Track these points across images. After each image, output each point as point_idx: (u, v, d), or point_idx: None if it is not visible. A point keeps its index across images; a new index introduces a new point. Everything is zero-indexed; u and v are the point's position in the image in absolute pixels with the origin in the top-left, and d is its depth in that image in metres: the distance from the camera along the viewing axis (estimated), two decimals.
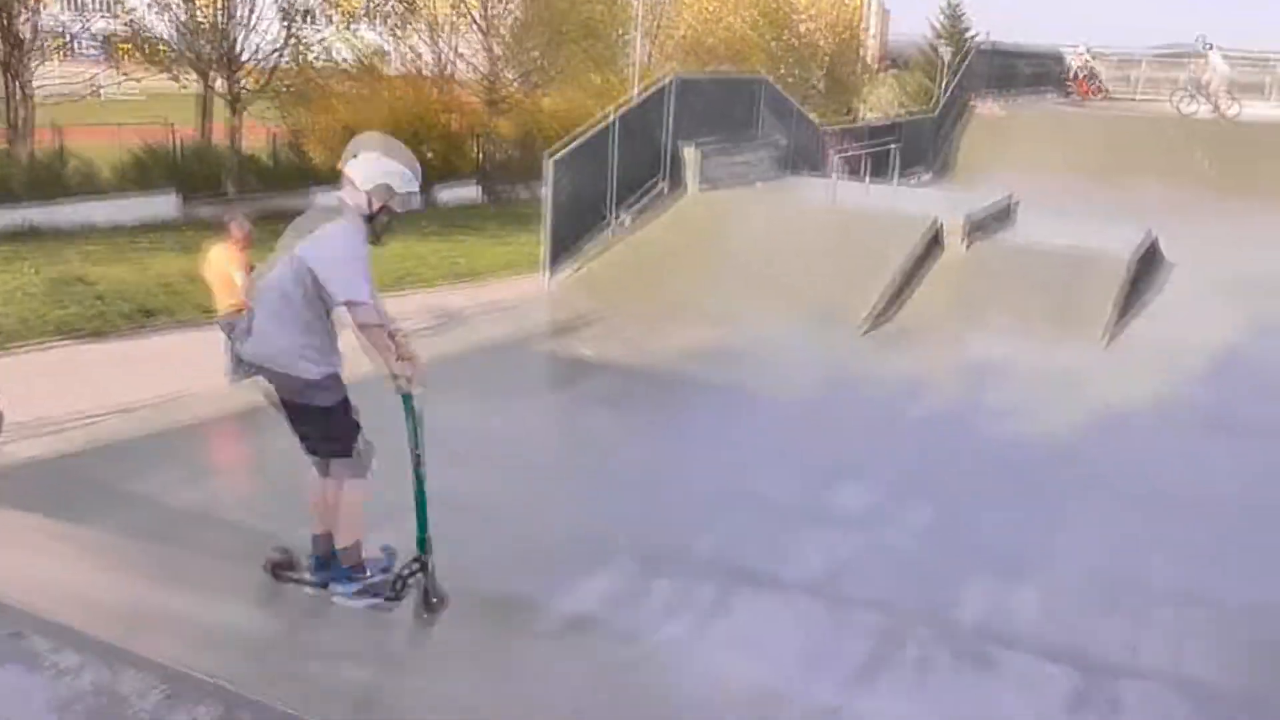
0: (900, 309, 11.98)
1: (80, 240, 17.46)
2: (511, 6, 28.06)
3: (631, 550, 6.20)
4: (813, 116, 22.62)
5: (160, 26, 22.16)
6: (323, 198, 5.10)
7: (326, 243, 4.24)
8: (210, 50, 22.25)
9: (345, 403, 4.43)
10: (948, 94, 25.06)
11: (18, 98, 19.78)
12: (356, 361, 4.44)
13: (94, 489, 6.92)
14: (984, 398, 9.68)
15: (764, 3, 34.50)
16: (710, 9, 33.90)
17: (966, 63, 25.95)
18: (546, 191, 13.10)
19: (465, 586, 4.82)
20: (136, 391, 9.31)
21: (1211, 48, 24.26)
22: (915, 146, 22.71)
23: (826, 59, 36.42)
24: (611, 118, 13.90)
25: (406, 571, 4.57)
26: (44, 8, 20.95)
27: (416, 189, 4.46)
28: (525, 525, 6.39)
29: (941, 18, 39.84)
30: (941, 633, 5.65)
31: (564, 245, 13.52)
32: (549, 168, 12.96)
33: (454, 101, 28.54)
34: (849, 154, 17.48)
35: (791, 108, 18.25)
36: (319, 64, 24.35)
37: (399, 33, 27.16)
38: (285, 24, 23.30)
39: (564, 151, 13.27)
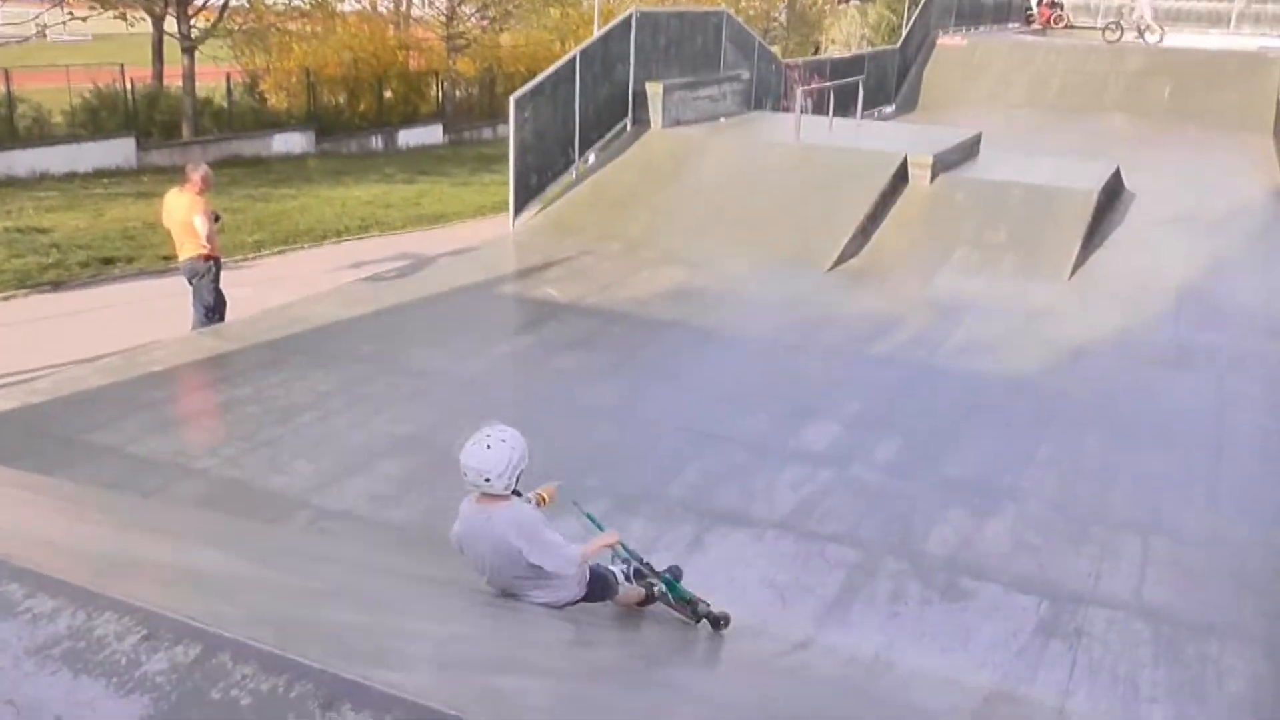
0: (867, 246, 11.99)
1: (35, 188, 17.12)
2: None
3: (605, 491, 6.23)
4: (775, 50, 22.43)
5: None
6: None
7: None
8: None
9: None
10: (909, 26, 24.99)
11: None
12: None
13: (62, 439, 6.87)
14: (950, 334, 9.75)
15: None
16: None
17: None
18: (511, 132, 12.91)
19: (438, 529, 4.82)
20: (100, 342, 9.17)
21: None
22: (879, 81, 22.64)
23: None
24: (573, 54, 13.69)
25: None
26: None
27: None
28: None
29: None
30: (912, 565, 5.76)
31: (529, 187, 13.37)
32: (512, 108, 12.77)
33: (411, 39, 28.04)
34: (813, 88, 17.34)
35: (754, 42, 18.04)
36: (272, 1, 23.75)
37: None
38: None
39: (526, 90, 13.07)
